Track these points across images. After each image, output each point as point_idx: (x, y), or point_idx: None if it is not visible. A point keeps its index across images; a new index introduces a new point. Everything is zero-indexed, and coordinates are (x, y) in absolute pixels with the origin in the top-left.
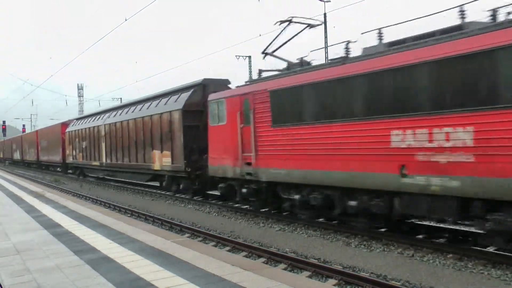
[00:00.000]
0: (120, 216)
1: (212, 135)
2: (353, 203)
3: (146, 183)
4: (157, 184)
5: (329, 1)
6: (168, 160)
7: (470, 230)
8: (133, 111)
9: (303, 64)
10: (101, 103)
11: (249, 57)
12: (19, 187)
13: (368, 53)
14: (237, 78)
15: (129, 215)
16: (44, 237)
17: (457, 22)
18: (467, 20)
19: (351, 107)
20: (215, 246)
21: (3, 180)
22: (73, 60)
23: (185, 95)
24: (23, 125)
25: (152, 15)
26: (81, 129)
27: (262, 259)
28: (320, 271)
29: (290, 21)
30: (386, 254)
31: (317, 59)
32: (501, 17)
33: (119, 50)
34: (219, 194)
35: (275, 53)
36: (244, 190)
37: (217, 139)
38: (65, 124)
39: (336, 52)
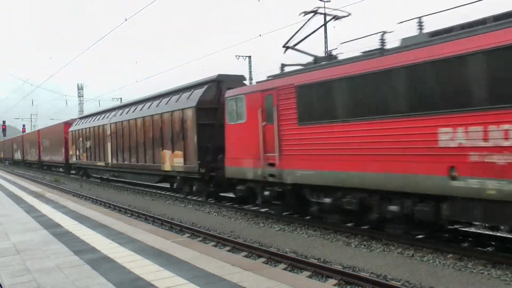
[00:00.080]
0: (120, 216)
1: (229, 134)
2: (393, 208)
3: (155, 184)
4: (167, 185)
5: (329, 1)
6: (180, 160)
7: (470, 230)
8: (141, 109)
9: (332, 58)
10: (101, 103)
11: (249, 57)
12: (19, 187)
13: (408, 44)
14: None
15: (129, 215)
16: (44, 237)
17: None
18: None
19: (393, 102)
20: (215, 246)
21: (3, 180)
22: (73, 60)
23: (198, 92)
24: (23, 125)
25: (152, 15)
26: (85, 128)
27: (262, 259)
28: (320, 271)
29: (315, 12)
30: (386, 254)
31: (344, 52)
32: None
33: (119, 50)
34: (234, 196)
35: (297, 47)
36: (266, 193)
37: (235, 138)
38: (68, 124)
39: (355, 47)
